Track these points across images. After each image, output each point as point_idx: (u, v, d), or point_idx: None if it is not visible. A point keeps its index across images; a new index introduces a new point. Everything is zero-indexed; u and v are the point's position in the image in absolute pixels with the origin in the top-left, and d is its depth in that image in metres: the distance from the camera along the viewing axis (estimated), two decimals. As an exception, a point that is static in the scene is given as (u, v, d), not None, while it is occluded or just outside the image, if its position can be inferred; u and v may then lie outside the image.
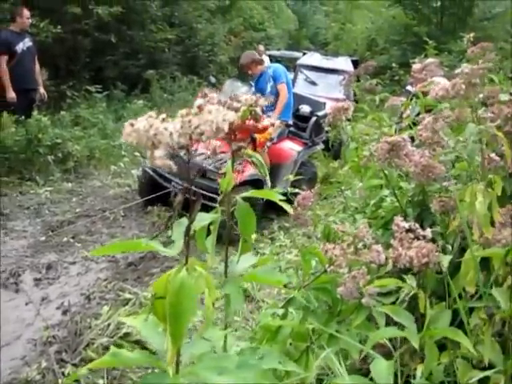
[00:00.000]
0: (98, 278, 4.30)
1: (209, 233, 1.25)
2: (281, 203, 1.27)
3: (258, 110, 1.09)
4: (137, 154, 7.59)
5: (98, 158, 7.61)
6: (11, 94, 6.61)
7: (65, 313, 3.70)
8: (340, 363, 1.67)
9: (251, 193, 1.22)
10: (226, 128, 0.72)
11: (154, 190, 5.54)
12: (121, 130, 0.79)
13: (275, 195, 1.24)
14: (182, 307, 0.82)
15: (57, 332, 3.43)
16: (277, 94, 6.14)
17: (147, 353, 0.95)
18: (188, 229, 0.88)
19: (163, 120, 0.71)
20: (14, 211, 5.56)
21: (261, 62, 6.21)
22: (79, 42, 9.81)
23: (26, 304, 3.78)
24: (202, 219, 1.12)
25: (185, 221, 1.11)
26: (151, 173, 5.53)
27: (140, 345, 3.18)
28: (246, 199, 4.70)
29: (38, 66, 7.10)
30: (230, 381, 0.83)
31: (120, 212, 5.76)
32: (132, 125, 0.72)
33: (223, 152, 1.24)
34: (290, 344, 1.88)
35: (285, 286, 3.86)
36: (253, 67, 6.16)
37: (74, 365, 3.07)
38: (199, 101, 0.75)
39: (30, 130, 6.56)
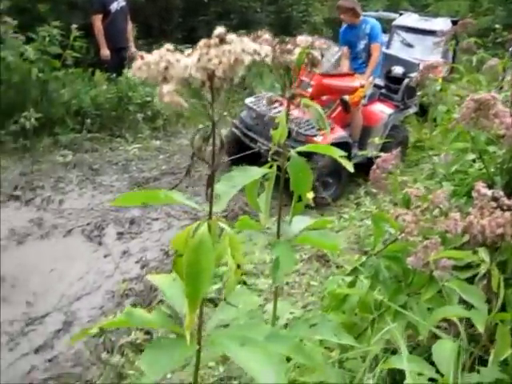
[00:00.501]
0: (178, 234, 4.34)
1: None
2: (342, 161, 1.15)
3: (317, 53, 0.97)
4: (225, 113, 7.57)
5: (187, 116, 7.64)
6: (106, 52, 6.76)
7: (143, 267, 3.77)
8: (408, 339, 1.55)
9: (306, 147, 1.11)
10: (246, 60, 0.61)
11: (240, 150, 5.53)
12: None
13: (335, 151, 1.12)
14: (201, 266, 0.72)
15: (134, 285, 3.50)
16: (368, 53, 5.88)
17: (166, 314, 0.87)
18: (210, 179, 0.79)
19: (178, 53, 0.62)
20: (104, 166, 5.72)
21: (358, 15, 5.91)
22: (171, 1, 9.83)
23: (105, 256, 3.89)
24: (252, 174, 1.03)
25: (233, 174, 1.02)
26: (238, 133, 5.56)
27: (213, 303, 3.16)
28: (332, 164, 4.48)
29: (130, 26, 7.20)
30: (251, 352, 0.73)
31: (205, 171, 5.79)
32: (142, 58, 0.64)
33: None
34: (356, 314, 1.77)
35: (365, 252, 3.72)
36: (348, 14, 5.87)
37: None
38: (219, 29, 0.64)
39: (120, 88, 6.68)
